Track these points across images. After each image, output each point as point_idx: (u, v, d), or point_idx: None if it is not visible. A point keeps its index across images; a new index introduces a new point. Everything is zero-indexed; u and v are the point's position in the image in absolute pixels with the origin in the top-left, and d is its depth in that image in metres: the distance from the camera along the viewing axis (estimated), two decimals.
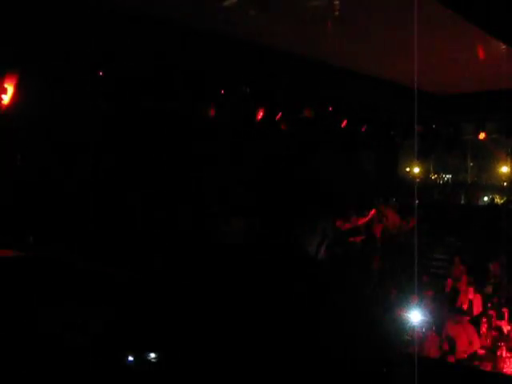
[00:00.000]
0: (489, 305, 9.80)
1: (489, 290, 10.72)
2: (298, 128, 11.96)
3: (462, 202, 17.54)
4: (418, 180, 19.07)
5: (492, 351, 8.04)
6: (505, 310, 9.30)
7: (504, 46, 9.23)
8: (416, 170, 19.03)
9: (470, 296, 10.01)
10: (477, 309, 9.76)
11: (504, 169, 18.65)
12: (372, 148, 16.27)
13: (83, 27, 7.52)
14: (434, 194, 18.64)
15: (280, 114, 11.50)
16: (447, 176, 20.94)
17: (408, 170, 19.95)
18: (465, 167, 19.57)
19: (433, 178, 20.57)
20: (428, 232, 13.24)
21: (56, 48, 7.58)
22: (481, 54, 9.78)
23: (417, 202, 16.57)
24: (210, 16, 8.21)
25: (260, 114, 11.17)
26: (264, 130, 11.32)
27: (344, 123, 13.54)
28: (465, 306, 9.74)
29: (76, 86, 8.23)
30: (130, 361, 3.50)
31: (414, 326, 7.81)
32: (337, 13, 8.15)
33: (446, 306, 9.46)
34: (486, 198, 18.53)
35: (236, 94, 10.69)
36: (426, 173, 19.97)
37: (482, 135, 14.26)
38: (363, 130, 14.04)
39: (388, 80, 11.67)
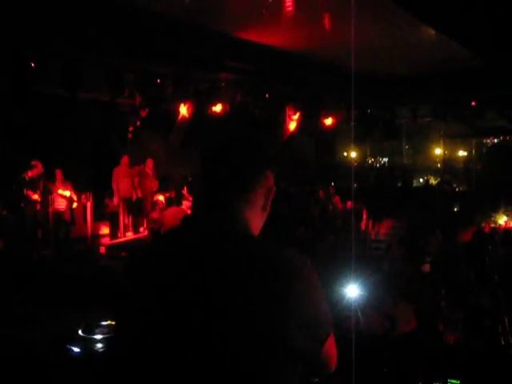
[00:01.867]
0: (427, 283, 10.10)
1: (426, 268, 11.02)
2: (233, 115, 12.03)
3: (399, 184, 17.97)
4: (355, 164, 19.44)
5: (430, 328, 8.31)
6: (440, 287, 9.62)
7: (434, 32, 9.48)
8: (353, 154, 19.38)
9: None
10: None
11: (437, 151, 19.19)
12: (310, 134, 16.45)
13: None
14: (370, 178, 19.03)
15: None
16: (384, 159, 21.40)
17: (345, 154, 20.30)
18: (400, 150, 20.04)
19: (370, 161, 20.98)
20: (365, 213, 13.50)
21: None
22: (413, 40, 10.01)
23: (355, 185, 16.93)
24: None
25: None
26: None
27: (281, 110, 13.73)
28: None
29: None
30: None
31: (352, 305, 7.98)
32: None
33: (384, 286, 9.69)
34: (421, 180, 19.06)
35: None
36: (363, 157, 20.36)
37: (415, 119, 14.67)
38: (300, 117, 14.25)
39: (323, 65, 11.78)
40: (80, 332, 3.87)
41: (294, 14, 8.83)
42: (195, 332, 1.40)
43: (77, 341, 3.85)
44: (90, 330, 3.85)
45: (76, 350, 3.80)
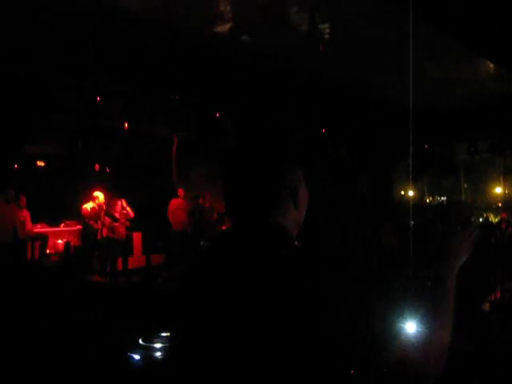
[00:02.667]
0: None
1: (486, 307, 10.75)
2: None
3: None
4: (412, 202, 19.21)
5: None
6: (501, 327, 9.34)
7: (492, 66, 9.42)
8: (410, 192, 19.18)
9: None
10: None
11: (497, 190, 18.80)
12: (367, 171, 16.40)
13: None
14: (428, 215, 18.75)
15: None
16: (442, 198, 21.08)
17: (403, 192, 20.09)
18: (458, 188, 19.72)
19: (427, 200, 20.70)
20: (423, 250, 13.25)
21: None
22: (471, 74, 9.97)
23: (412, 222, 16.67)
24: None
25: None
26: None
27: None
28: None
29: None
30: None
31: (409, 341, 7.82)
32: (327, 36, 8.35)
33: None
34: (480, 219, 18.64)
35: None
36: (420, 195, 20.11)
37: (474, 155, 14.47)
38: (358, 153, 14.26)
39: (381, 101, 11.81)
40: (140, 341, 4.24)
41: (348, 51, 8.98)
42: (252, 343, 1.38)
43: (137, 349, 4.28)
44: (149, 340, 4.19)
45: (136, 357, 4.15)
